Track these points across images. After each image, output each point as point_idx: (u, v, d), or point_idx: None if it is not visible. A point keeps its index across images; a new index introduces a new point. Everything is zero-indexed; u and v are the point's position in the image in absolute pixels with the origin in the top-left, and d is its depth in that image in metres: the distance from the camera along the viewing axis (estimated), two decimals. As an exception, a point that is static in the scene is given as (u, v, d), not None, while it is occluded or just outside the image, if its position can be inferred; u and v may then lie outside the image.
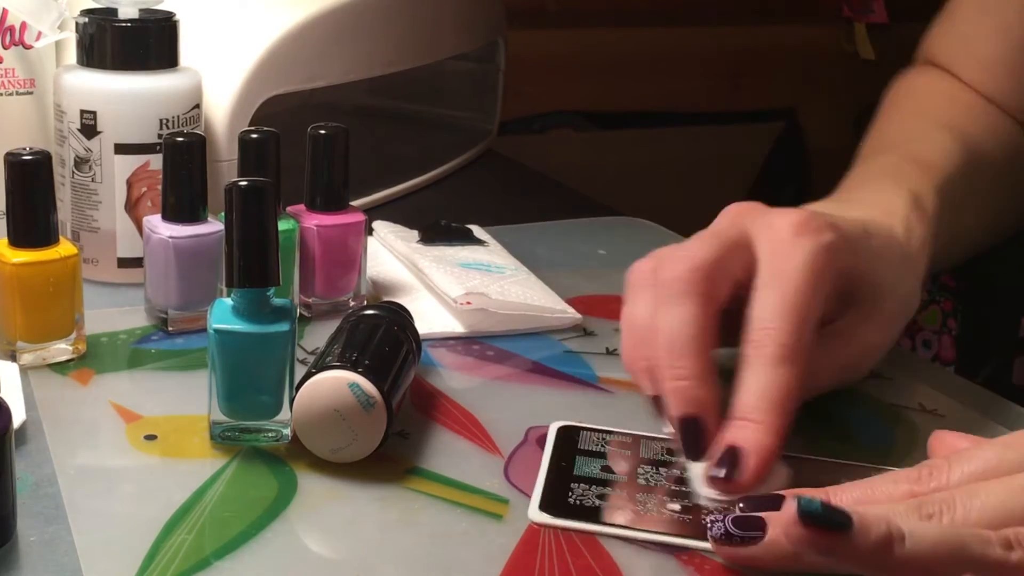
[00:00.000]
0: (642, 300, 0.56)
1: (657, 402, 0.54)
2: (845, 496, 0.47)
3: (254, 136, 0.65)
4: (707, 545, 0.48)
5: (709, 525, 0.47)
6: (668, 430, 0.54)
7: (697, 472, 0.52)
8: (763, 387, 0.51)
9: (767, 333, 0.52)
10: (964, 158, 0.69)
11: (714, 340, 0.54)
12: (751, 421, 0.51)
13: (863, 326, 0.57)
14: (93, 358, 0.62)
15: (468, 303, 0.67)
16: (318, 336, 0.65)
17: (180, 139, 0.65)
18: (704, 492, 0.51)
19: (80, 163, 0.71)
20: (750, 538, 0.46)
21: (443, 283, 0.69)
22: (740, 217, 0.56)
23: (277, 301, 0.54)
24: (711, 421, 0.52)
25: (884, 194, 0.63)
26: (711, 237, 0.55)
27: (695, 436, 0.52)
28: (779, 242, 0.54)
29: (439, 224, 0.80)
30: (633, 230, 0.89)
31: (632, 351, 0.56)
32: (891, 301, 0.58)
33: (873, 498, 0.47)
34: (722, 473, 0.50)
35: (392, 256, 0.77)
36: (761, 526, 0.46)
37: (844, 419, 0.61)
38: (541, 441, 0.56)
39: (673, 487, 0.52)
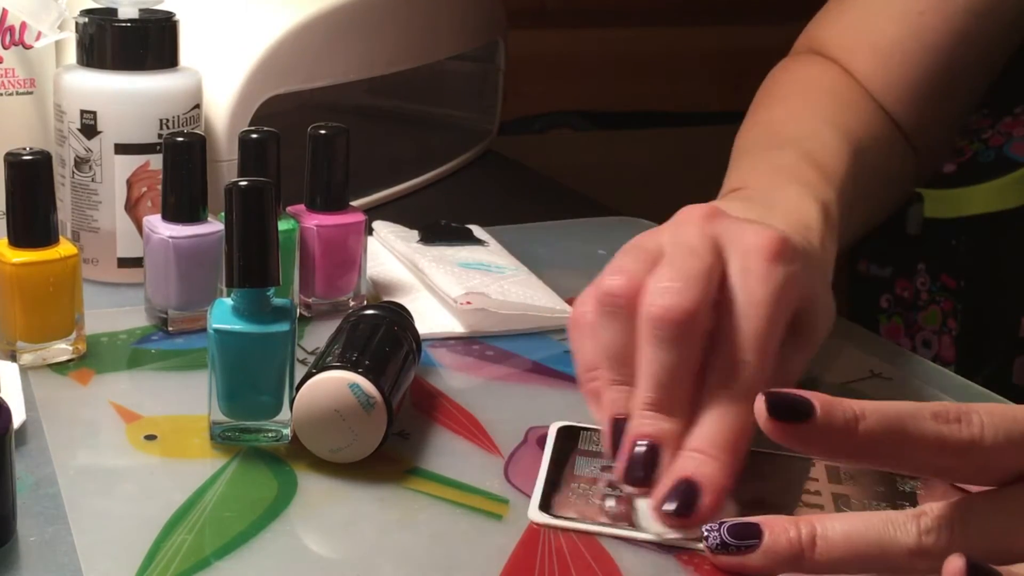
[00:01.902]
0: (616, 325, 0.52)
1: (616, 424, 0.51)
2: (875, 419, 0.44)
3: (254, 136, 0.65)
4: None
5: (705, 535, 0.47)
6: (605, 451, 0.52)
7: (645, 504, 0.50)
8: (726, 424, 0.50)
9: (738, 368, 0.50)
10: (854, 160, 0.67)
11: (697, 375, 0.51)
12: (709, 456, 0.49)
13: (803, 350, 0.55)
14: (93, 358, 0.62)
15: (468, 303, 0.67)
16: (318, 336, 0.65)
17: (180, 139, 0.65)
18: (654, 528, 0.49)
19: (80, 163, 0.71)
20: (746, 547, 0.46)
21: (443, 283, 0.69)
22: (711, 228, 0.53)
23: (277, 301, 0.54)
24: (669, 453, 0.50)
25: (795, 201, 0.61)
26: (693, 262, 0.51)
27: (650, 466, 0.50)
28: (753, 267, 0.52)
29: (439, 224, 0.80)
30: (633, 230, 0.88)
31: (608, 371, 0.53)
32: (824, 321, 0.56)
33: (903, 432, 0.44)
34: (674, 507, 0.48)
35: (392, 256, 0.77)
36: (757, 533, 0.46)
37: (844, 419, 0.61)
38: (541, 441, 0.56)
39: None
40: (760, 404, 0.43)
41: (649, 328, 0.50)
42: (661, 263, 0.52)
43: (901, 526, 0.44)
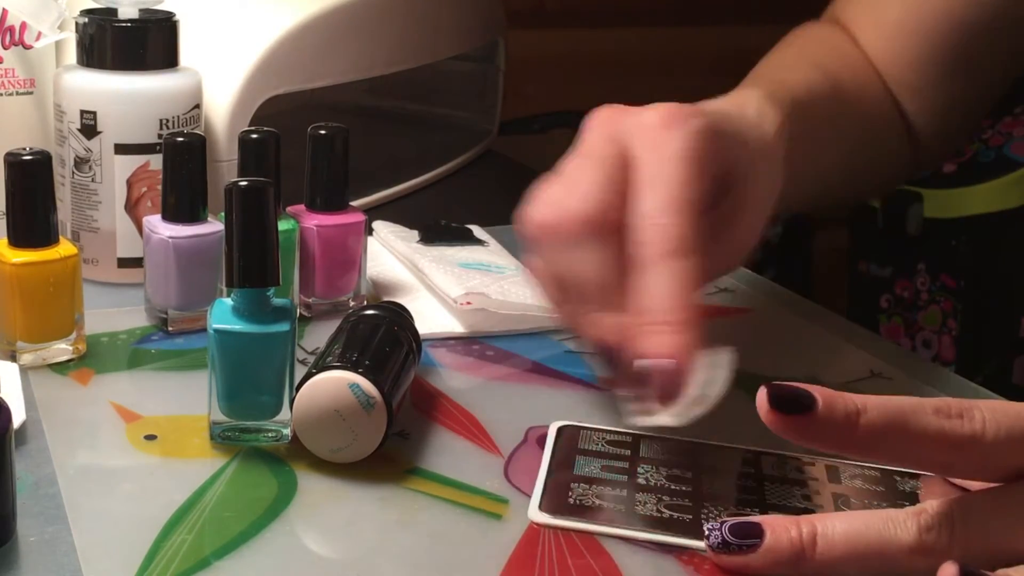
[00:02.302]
0: (546, 252, 0.54)
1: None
2: (876, 413, 0.44)
3: (254, 136, 0.65)
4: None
5: (706, 534, 0.47)
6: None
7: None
8: (668, 285, 0.50)
9: (658, 229, 0.51)
10: (828, 94, 0.68)
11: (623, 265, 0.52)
12: (667, 324, 0.49)
13: (741, 210, 0.56)
14: (93, 358, 0.62)
15: (468, 303, 0.67)
16: (318, 336, 0.65)
17: (180, 139, 0.65)
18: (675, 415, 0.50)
19: (80, 163, 0.71)
20: (748, 546, 0.46)
21: (443, 283, 0.69)
22: (608, 125, 0.55)
23: (277, 301, 0.54)
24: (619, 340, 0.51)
25: (738, 93, 0.63)
26: (591, 165, 0.54)
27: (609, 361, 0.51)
28: (652, 138, 0.53)
29: (439, 224, 0.80)
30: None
31: (562, 306, 0.56)
32: (759, 183, 0.57)
33: (904, 426, 0.44)
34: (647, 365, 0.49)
35: (392, 256, 0.77)
36: (759, 533, 0.46)
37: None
38: (541, 441, 0.56)
39: (673, 487, 0.52)
40: (762, 396, 0.43)
41: (536, 243, 0.54)
42: (552, 180, 0.55)
43: (901, 524, 0.44)
